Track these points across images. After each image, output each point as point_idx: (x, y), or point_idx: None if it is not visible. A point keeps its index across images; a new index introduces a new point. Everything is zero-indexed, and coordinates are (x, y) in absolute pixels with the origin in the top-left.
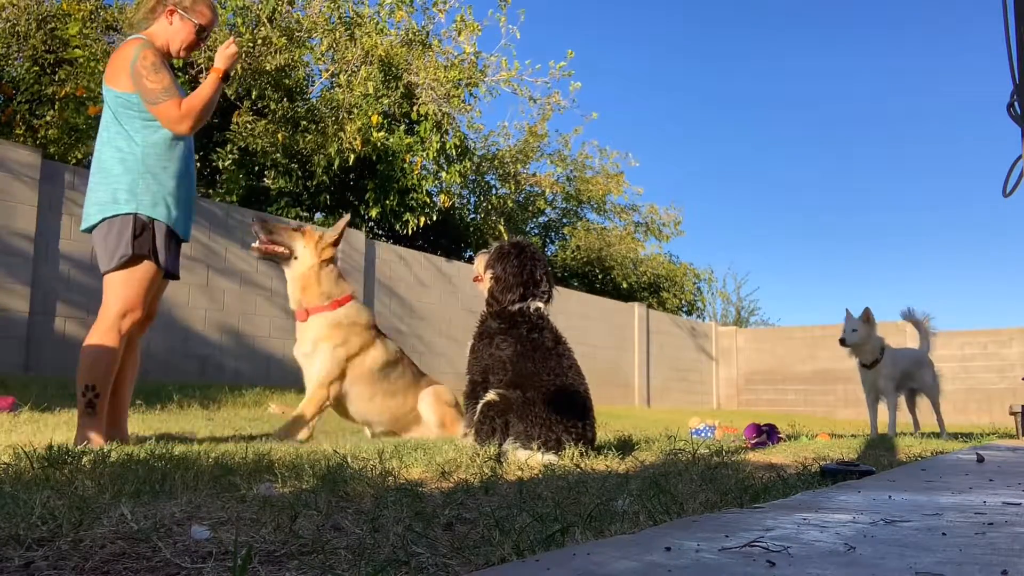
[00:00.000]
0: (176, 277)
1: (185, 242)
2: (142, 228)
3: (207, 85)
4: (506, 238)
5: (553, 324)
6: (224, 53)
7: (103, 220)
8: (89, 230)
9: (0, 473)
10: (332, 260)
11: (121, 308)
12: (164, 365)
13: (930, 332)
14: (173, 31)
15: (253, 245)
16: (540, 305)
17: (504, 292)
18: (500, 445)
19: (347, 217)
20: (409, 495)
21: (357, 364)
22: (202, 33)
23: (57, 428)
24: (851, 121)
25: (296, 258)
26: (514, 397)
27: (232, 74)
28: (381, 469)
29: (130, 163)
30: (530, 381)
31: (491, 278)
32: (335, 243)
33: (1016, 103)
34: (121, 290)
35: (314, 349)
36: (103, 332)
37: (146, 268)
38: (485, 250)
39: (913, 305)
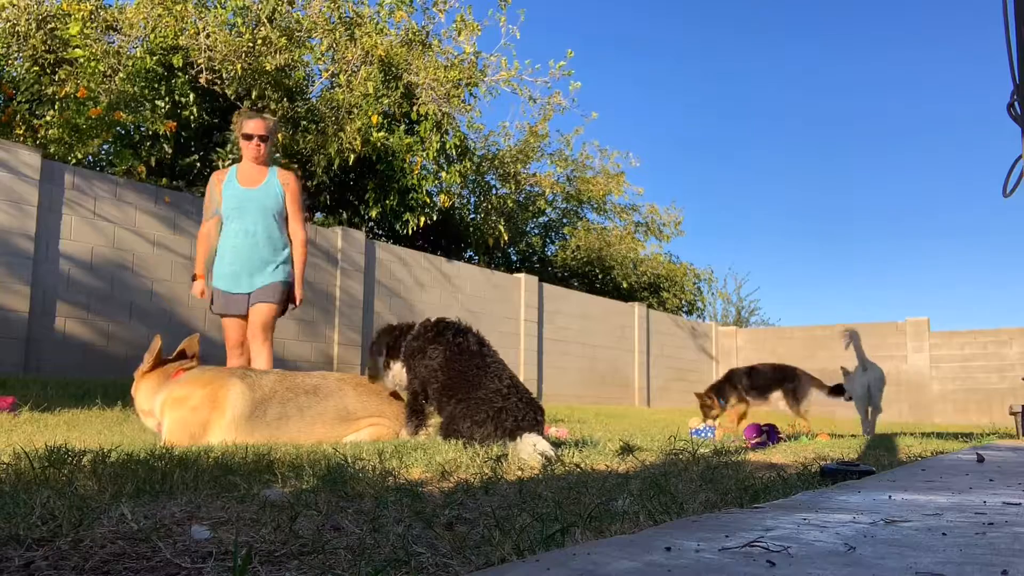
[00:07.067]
0: (232, 315)
1: (234, 293)
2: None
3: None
4: (506, 238)
5: (477, 330)
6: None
7: None
8: None
9: (0, 473)
10: None
11: (228, 347)
12: None
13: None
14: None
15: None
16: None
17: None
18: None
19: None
20: (409, 495)
21: None
22: (248, 138)
23: (57, 428)
24: (852, 122)
25: None
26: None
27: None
28: (381, 469)
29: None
30: (462, 381)
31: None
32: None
33: (1016, 103)
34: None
35: None
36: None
37: (223, 319)
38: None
39: (913, 306)
